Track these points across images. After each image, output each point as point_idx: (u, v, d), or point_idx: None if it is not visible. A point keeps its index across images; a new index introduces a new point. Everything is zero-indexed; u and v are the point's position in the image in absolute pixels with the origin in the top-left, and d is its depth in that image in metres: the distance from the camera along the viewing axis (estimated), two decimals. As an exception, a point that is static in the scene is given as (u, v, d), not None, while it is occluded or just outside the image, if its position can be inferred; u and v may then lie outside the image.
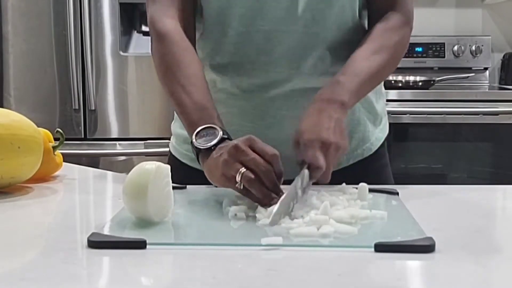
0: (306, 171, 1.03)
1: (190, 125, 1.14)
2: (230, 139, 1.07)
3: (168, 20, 1.24)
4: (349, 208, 0.98)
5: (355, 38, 1.26)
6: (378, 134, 1.38)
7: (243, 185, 0.99)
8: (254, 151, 1.00)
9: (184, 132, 1.27)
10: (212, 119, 1.12)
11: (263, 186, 0.98)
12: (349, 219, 0.92)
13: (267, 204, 0.97)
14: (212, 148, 1.06)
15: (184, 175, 1.23)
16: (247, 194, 1.00)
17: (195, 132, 1.09)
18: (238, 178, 0.98)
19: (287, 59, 1.25)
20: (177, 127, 1.39)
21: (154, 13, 1.26)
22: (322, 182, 1.06)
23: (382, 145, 1.39)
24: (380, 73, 1.22)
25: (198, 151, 1.09)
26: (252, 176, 0.98)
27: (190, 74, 1.19)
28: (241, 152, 1.00)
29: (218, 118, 1.13)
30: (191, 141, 1.10)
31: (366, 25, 1.32)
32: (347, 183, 1.12)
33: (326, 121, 1.09)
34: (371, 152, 1.36)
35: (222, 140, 1.07)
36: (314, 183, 1.06)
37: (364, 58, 1.20)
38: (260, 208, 0.97)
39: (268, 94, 1.26)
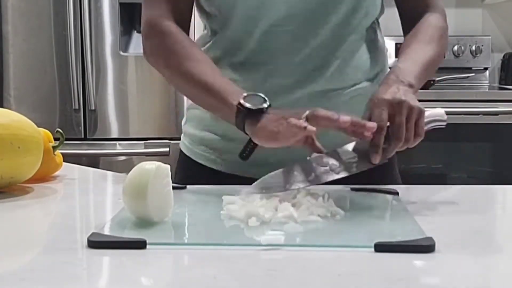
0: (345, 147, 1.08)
1: (229, 94, 1.14)
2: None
3: (167, 22, 1.27)
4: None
5: (374, 41, 1.31)
6: None
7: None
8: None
9: (199, 133, 1.28)
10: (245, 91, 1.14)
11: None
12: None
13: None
14: (264, 110, 1.09)
15: (196, 174, 1.24)
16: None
17: (243, 96, 1.12)
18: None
19: (311, 60, 1.25)
20: (191, 127, 1.37)
21: (151, 17, 1.30)
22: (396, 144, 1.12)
23: None
24: (433, 63, 1.25)
25: (245, 114, 1.10)
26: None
27: (207, 61, 1.22)
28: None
29: None
30: (239, 103, 1.11)
31: (381, 30, 1.35)
32: (354, 181, 1.12)
33: (396, 88, 1.10)
34: None
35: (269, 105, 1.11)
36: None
37: (419, 48, 1.23)
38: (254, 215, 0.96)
39: (293, 95, 1.25)
